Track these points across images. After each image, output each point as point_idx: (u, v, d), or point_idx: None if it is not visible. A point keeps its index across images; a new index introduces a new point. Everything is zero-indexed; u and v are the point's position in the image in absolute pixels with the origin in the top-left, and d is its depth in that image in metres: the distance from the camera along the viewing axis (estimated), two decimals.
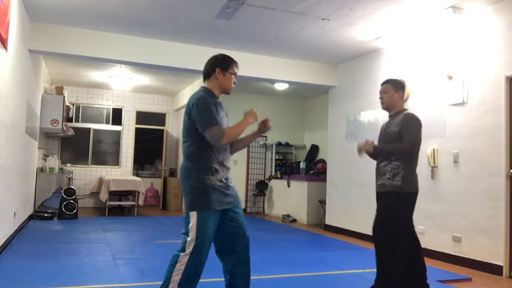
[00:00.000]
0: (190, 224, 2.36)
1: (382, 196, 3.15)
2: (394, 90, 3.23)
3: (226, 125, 2.52)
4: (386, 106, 3.28)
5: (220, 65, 2.56)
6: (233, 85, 2.61)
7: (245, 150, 9.72)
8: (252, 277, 3.77)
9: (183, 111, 11.67)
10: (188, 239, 2.35)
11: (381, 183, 3.16)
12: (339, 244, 5.91)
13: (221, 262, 2.58)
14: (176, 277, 2.32)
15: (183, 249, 2.36)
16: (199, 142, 2.43)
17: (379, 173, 3.20)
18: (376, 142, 3.30)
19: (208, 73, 2.58)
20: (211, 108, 2.41)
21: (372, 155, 3.31)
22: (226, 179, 2.51)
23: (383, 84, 3.31)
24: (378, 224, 3.17)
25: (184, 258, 2.33)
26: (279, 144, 9.72)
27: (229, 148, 2.58)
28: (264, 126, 2.62)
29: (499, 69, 4.38)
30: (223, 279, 2.61)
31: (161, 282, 2.39)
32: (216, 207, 2.41)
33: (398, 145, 3.09)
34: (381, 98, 3.29)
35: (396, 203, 3.04)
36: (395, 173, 3.05)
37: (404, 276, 3.04)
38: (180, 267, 2.32)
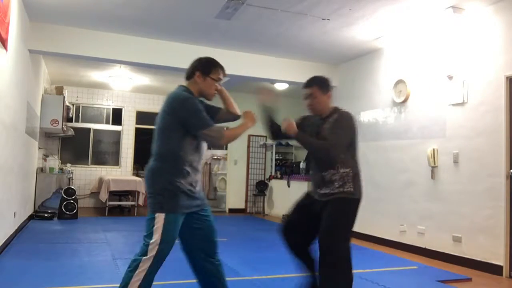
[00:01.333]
0: (155, 227, 2.23)
1: (331, 203, 2.76)
2: (322, 92, 2.84)
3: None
4: (316, 112, 2.89)
5: (201, 68, 2.43)
6: (214, 92, 2.47)
7: (245, 150, 9.72)
8: (252, 277, 3.78)
9: None
10: (152, 241, 2.22)
11: (326, 192, 2.75)
12: None
13: (194, 265, 2.50)
14: (136, 283, 2.19)
15: (144, 253, 2.22)
16: (174, 143, 2.31)
17: (324, 182, 2.76)
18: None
19: (189, 74, 2.48)
20: (201, 108, 2.33)
21: (292, 137, 2.90)
22: (196, 182, 2.41)
23: (307, 86, 2.86)
24: (328, 231, 2.78)
25: (146, 263, 2.21)
26: (279, 144, 9.71)
27: (203, 151, 2.46)
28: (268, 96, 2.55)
29: (499, 69, 4.38)
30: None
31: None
32: (183, 211, 2.32)
33: (322, 142, 2.70)
34: (309, 104, 2.88)
35: (350, 209, 2.81)
36: (345, 181, 2.72)
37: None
38: (141, 272, 2.20)
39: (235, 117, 2.68)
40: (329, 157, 2.71)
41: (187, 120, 2.29)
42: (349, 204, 2.79)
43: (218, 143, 2.37)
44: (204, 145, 2.45)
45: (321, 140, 2.73)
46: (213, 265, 2.48)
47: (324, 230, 2.78)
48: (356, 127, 2.80)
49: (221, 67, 2.49)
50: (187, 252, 2.50)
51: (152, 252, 2.22)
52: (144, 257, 2.21)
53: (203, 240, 2.46)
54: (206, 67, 2.44)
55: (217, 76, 2.46)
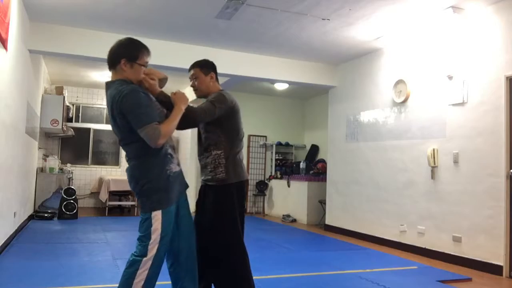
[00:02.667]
0: (153, 227, 2.13)
1: (209, 190, 2.58)
2: (203, 73, 2.70)
3: (161, 107, 2.28)
4: (200, 94, 2.74)
5: (126, 54, 2.19)
6: (142, 76, 2.26)
7: (245, 150, 9.72)
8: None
9: None
10: (151, 242, 2.13)
11: (205, 178, 2.61)
12: (339, 244, 5.91)
13: (170, 265, 2.39)
14: (139, 284, 2.11)
15: (144, 254, 2.13)
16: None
17: (201, 167, 2.66)
18: None
19: (112, 62, 2.21)
20: (141, 101, 2.10)
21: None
22: (179, 161, 2.33)
23: (190, 69, 2.75)
24: (206, 225, 2.53)
25: (147, 263, 2.12)
26: (279, 144, 9.72)
27: None
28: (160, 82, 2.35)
29: (499, 69, 4.38)
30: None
31: None
32: (178, 197, 2.24)
33: (193, 109, 2.48)
34: (193, 85, 2.74)
35: (225, 197, 2.54)
36: (216, 164, 2.54)
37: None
38: (143, 272, 2.11)
39: (164, 80, 2.46)
40: (195, 123, 2.55)
41: (128, 116, 2.10)
42: (224, 191, 2.55)
43: (155, 144, 2.10)
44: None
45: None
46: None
47: (199, 225, 2.57)
48: (230, 105, 2.57)
49: (147, 48, 2.27)
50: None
51: (152, 252, 2.14)
52: (145, 258, 2.13)
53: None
54: (131, 52, 2.21)
55: (144, 61, 2.25)
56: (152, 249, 2.14)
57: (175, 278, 2.37)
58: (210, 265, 2.53)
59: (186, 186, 2.40)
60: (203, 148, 2.62)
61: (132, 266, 2.14)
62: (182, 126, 2.38)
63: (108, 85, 2.24)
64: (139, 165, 2.21)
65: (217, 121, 2.53)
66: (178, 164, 2.31)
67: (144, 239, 2.16)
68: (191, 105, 2.48)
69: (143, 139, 2.10)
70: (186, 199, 2.42)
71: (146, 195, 2.19)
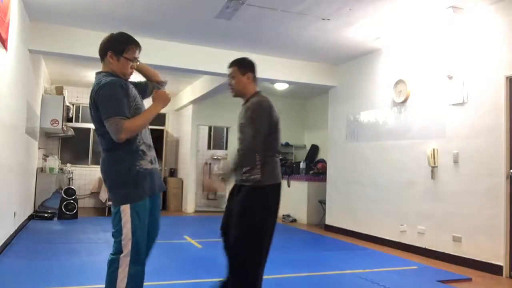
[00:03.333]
0: (123, 221, 2.10)
1: (242, 191, 2.63)
2: (240, 73, 2.71)
3: (141, 104, 2.26)
4: (235, 94, 2.76)
5: (113, 47, 2.20)
6: (130, 71, 2.26)
7: None
8: None
9: (183, 111, 11.58)
10: (123, 237, 2.10)
11: (240, 178, 2.66)
12: (339, 244, 5.91)
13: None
14: (122, 283, 2.07)
15: (119, 251, 2.10)
16: None
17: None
18: None
19: (101, 54, 2.25)
20: (115, 94, 2.09)
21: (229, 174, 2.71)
22: (155, 159, 2.29)
23: (228, 67, 2.77)
24: (234, 223, 2.57)
25: (125, 260, 2.08)
26: None
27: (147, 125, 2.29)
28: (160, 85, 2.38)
29: (499, 69, 4.38)
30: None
31: None
32: (149, 194, 2.19)
33: (239, 154, 2.58)
34: (229, 84, 2.76)
35: (257, 198, 2.57)
36: (251, 166, 2.58)
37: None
38: (124, 270, 2.08)
39: (163, 84, 2.49)
40: (254, 151, 2.54)
41: (100, 109, 2.11)
42: (257, 192, 2.57)
43: (117, 138, 2.06)
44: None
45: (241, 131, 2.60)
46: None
47: (226, 223, 2.65)
48: (268, 116, 2.60)
49: (136, 43, 2.27)
50: None
51: (127, 248, 2.10)
52: (121, 255, 2.10)
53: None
54: (118, 45, 2.22)
55: (132, 55, 2.24)
56: (127, 245, 2.10)
57: None
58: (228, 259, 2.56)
59: (161, 187, 2.33)
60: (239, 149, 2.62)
61: (112, 266, 2.12)
62: (246, 163, 2.51)
63: (96, 75, 2.26)
64: (109, 158, 2.21)
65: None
66: (151, 163, 2.25)
67: (117, 234, 2.14)
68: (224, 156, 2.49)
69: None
70: (159, 202, 2.38)
71: (114, 189, 2.18)
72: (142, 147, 2.22)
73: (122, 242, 2.10)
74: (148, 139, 2.30)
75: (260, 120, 2.54)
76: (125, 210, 2.12)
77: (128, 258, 2.09)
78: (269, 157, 2.61)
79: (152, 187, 2.24)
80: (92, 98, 2.15)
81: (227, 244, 2.61)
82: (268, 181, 2.57)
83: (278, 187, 2.65)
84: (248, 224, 2.51)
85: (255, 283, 2.54)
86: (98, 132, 2.21)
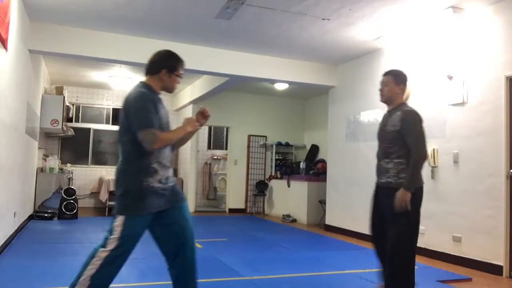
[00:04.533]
0: (115, 223, 2.23)
1: (387, 190, 2.99)
2: (395, 83, 3.06)
3: (166, 123, 2.37)
4: (385, 99, 3.12)
5: (168, 66, 2.40)
6: (176, 86, 2.49)
7: (245, 150, 9.73)
8: (252, 277, 3.78)
9: (183, 111, 11.58)
10: (111, 237, 2.22)
11: (386, 181, 3.01)
12: (339, 244, 5.91)
13: (168, 265, 2.44)
14: (90, 271, 2.20)
15: (103, 245, 2.24)
16: (136, 141, 2.23)
17: (381, 171, 3.09)
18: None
19: (152, 70, 2.42)
20: (148, 107, 2.24)
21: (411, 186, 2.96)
22: (167, 179, 2.35)
23: (384, 75, 3.15)
24: (389, 220, 2.96)
25: (102, 254, 2.21)
26: (279, 144, 9.72)
27: (170, 146, 2.43)
28: (202, 117, 2.47)
29: (499, 69, 4.38)
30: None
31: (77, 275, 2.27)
32: (149, 211, 2.27)
33: (414, 163, 2.89)
34: (380, 90, 3.13)
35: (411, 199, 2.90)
36: (399, 169, 2.92)
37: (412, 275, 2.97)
38: (96, 262, 2.21)
39: (173, 148, 2.57)
40: (425, 156, 2.95)
41: (131, 118, 2.24)
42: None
43: (151, 148, 2.22)
44: None
45: (388, 137, 3.01)
46: (179, 267, 2.39)
47: (378, 221, 3.13)
48: (422, 121, 3.01)
49: (182, 62, 2.48)
50: (163, 253, 2.44)
51: (110, 246, 2.21)
52: (102, 248, 2.23)
53: (172, 239, 2.38)
54: (172, 64, 2.42)
55: (179, 72, 2.45)
56: (111, 244, 2.22)
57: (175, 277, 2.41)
58: (387, 256, 2.97)
59: (170, 202, 2.37)
60: (384, 154, 3.02)
61: (90, 254, 2.26)
62: (397, 154, 2.94)
63: (138, 83, 2.44)
64: (121, 167, 2.32)
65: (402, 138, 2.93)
66: (160, 182, 2.30)
67: (108, 233, 2.26)
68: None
69: (132, 141, 2.24)
70: (181, 211, 2.42)
71: (118, 197, 2.30)
72: (154, 165, 2.30)
73: (109, 241, 2.23)
74: (166, 159, 2.38)
75: (420, 128, 2.95)
76: (119, 219, 2.24)
77: (106, 254, 2.21)
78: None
79: (158, 205, 2.30)
80: (125, 106, 2.30)
81: (383, 245, 3.01)
82: (416, 184, 2.91)
83: (422, 189, 3.02)
84: (404, 223, 2.91)
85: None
86: (120, 138, 2.34)
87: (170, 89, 2.46)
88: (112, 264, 2.24)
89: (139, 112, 2.22)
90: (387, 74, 3.13)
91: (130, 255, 2.31)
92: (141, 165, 2.27)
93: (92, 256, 2.23)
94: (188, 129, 2.40)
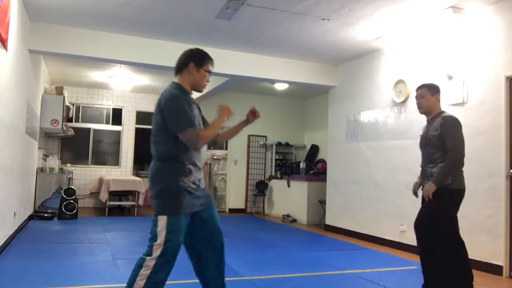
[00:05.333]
0: (158, 228, 2.23)
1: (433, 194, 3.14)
2: (430, 94, 3.28)
3: (198, 123, 2.39)
4: (424, 111, 3.33)
5: (195, 60, 2.42)
6: (206, 83, 2.48)
7: (245, 150, 9.73)
8: (252, 277, 3.78)
9: None
10: (156, 243, 2.22)
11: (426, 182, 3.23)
12: (339, 244, 5.91)
13: (195, 266, 2.48)
14: (141, 282, 2.19)
15: (149, 254, 2.23)
16: (171, 142, 2.28)
17: (426, 175, 3.25)
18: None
19: (181, 66, 2.43)
20: (184, 107, 2.27)
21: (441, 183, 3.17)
22: (199, 180, 2.40)
23: (418, 89, 3.36)
24: (422, 218, 3.19)
25: (150, 263, 2.20)
26: (279, 144, 9.72)
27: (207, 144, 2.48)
28: (252, 116, 2.56)
29: (499, 69, 4.38)
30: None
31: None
32: (187, 211, 2.30)
33: (447, 161, 3.09)
34: (418, 103, 3.35)
35: (445, 199, 3.08)
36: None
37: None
38: (145, 272, 2.20)
39: (220, 141, 2.67)
40: (463, 156, 3.11)
41: (168, 119, 2.27)
42: (447, 194, 3.09)
43: (194, 146, 2.31)
44: None
45: (431, 142, 3.20)
46: (210, 272, 2.43)
47: (418, 220, 3.26)
48: (460, 125, 3.17)
49: (212, 60, 2.49)
50: (191, 256, 2.48)
51: (156, 253, 2.21)
52: (149, 257, 2.21)
53: (202, 241, 2.43)
54: (200, 58, 2.43)
55: (208, 67, 2.45)
56: (156, 250, 2.21)
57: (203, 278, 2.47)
58: (426, 252, 3.16)
59: (203, 204, 2.41)
60: (429, 160, 3.22)
61: (137, 265, 2.24)
62: (441, 159, 3.13)
63: (170, 83, 2.45)
64: (156, 168, 2.34)
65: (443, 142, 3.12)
66: (194, 183, 2.34)
67: (151, 239, 2.26)
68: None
69: (167, 142, 2.29)
70: (212, 214, 2.46)
71: (155, 198, 2.31)
72: (189, 166, 2.33)
73: (154, 247, 2.23)
74: (199, 160, 2.42)
75: (458, 131, 3.13)
76: (162, 220, 2.24)
77: (154, 262, 2.20)
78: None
79: (192, 205, 2.32)
80: (159, 105, 2.30)
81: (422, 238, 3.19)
82: (457, 186, 3.10)
83: (462, 192, 3.16)
84: (434, 219, 3.11)
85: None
86: (154, 139, 2.35)
87: (199, 87, 2.46)
88: (161, 272, 2.24)
89: (177, 113, 2.25)
90: (422, 87, 3.35)
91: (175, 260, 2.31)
92: (177, 166, 2.30)
93: (140, 266, 2.22)
94: (225, 119, 2.42)
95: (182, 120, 2.24)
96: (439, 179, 3.09)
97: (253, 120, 2.57)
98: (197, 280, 2.52)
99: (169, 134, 2.28)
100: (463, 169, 3.19)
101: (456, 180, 3.10)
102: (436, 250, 3.10)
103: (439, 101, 3.31)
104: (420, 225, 3.20)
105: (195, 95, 2.75)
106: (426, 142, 3.28)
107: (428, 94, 3.28)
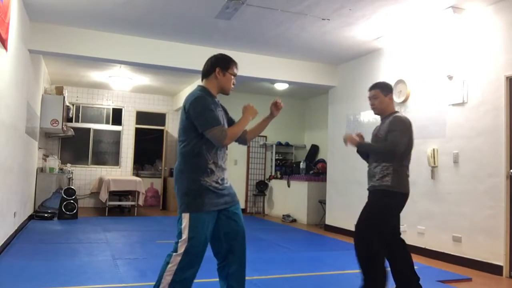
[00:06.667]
0: (182, 225, 2.33)
1: (371, 194, 3.15)
2: (383, 94, 3.24)
3: (222, 124, 2.47)
4: (378, 112, 3.29)
5: (221, 64, 2.51)
6: (232, 86, 2.57)
7: (245, 150, 9.73)
8: (252, 277, 3.77)
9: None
10: (181, 240, 2.32)
11: (371, 184, 3.15)
12: (339, 244, 5.91)
13: (219, 265, 2.53)
14: (168, 277, 2.29)
15: (175, 250, 2.34)
16: (194, 142, 2.38)
17: (369, 175, 3.19)
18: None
19: (207, 71, 2.53)
20: (210, 107, 2.36)
21: (358, 151, 3.37)
22: (222, 180, 2.47)
23: (371, 89, 3.31)
24: (362, 220, 3.18)
25: (176, 259, 2.30)
26: (279, 144, 9.72)
27: (225, 147, 2.53)
28: (276, 108, 2.64)
29: (499, 69, 4.38)
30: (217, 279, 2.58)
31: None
32: (210, 209, 2.37)
33: (380, 144, 3.10)
34: (372, 104, 3.29)
35: (384, 201, 3.04)
36: (384, 174, 3.03)
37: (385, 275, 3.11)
38: (172, 267, 2.29)
39: (249, 138, 2.73)
40: (394, 155, 3.01)
41: (195, 119, 2.35)
42: (385, 196, 3.04)
43: (222, 144, 2.38)
44: None
45: (379, 141, 3.14)
46: (230, 268, 2.47)
47: (358, 221, 3.25)
48: (408, 126, 3.10)
49: (236, 63, 2.59)
50: (216, 253, 2.54)
51: (181, 249, 2.30)
52: (175, 253, 2.31)
53: (226, 239, 2.48)
54: (225, 63, 2.52)
55: (233, 71, 2.55)
56: (181, 247, 2.31)
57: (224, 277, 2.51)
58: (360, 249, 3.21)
59: (228, 203, 2.48)
60: (374, 159, 3.14)
61: (165, 261, 2.34)
62: (383, 158, 3.04)
63: (197, 87, 2.56)
64: (181, 167, 2.43)
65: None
66: (217, 183, 2.42)
67: (177, 237, 2.36)
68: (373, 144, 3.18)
69: (191, 143, 2.38)
70: (233, 211, 2.52)
71: (180, 196, 2.40)
72: (211, 166, 2.41)
73: (179, 244, 2.33)
74: (222, 160, 2.49)
75: (404, 128, 3.06)
76: (185, 218, 2.34)
77: (179, 258, 2.30)
78: (402, 167, 3.06)
79: (216, 203, 2.40)
80: (187, 108, 2.39)
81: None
82: (397, 189, 3.02)
83: (405, 196, 3.09)
84: (374, 222, 3.08)
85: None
86: (180, 138, 2.45)
87: (226, 90, 2.55)
88: (187, 269, 2.32)
89: (204, 113, 2.34)
90: (374, 87, 3.29)
91: (203, 256, 2.38)
92: (198, 165, 2.37)
93: (167, 262, 2.32)
94: (250, 118, 2.53)
95: (209, 119, 2.33)
96: (364, 145, 3.22)
97: (277, 113, 2.65)
98: (210, 279, 2.55)
99: (193, 135, 2.37)
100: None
101: (397, 183, 3.01)
102: (375, 252, 3.10)
103: (392, 101, 3.28)
104: (359, 225, 3.22)
105: None
106: (375, 141, 3.24)
107: (381, 95, 3.24)
